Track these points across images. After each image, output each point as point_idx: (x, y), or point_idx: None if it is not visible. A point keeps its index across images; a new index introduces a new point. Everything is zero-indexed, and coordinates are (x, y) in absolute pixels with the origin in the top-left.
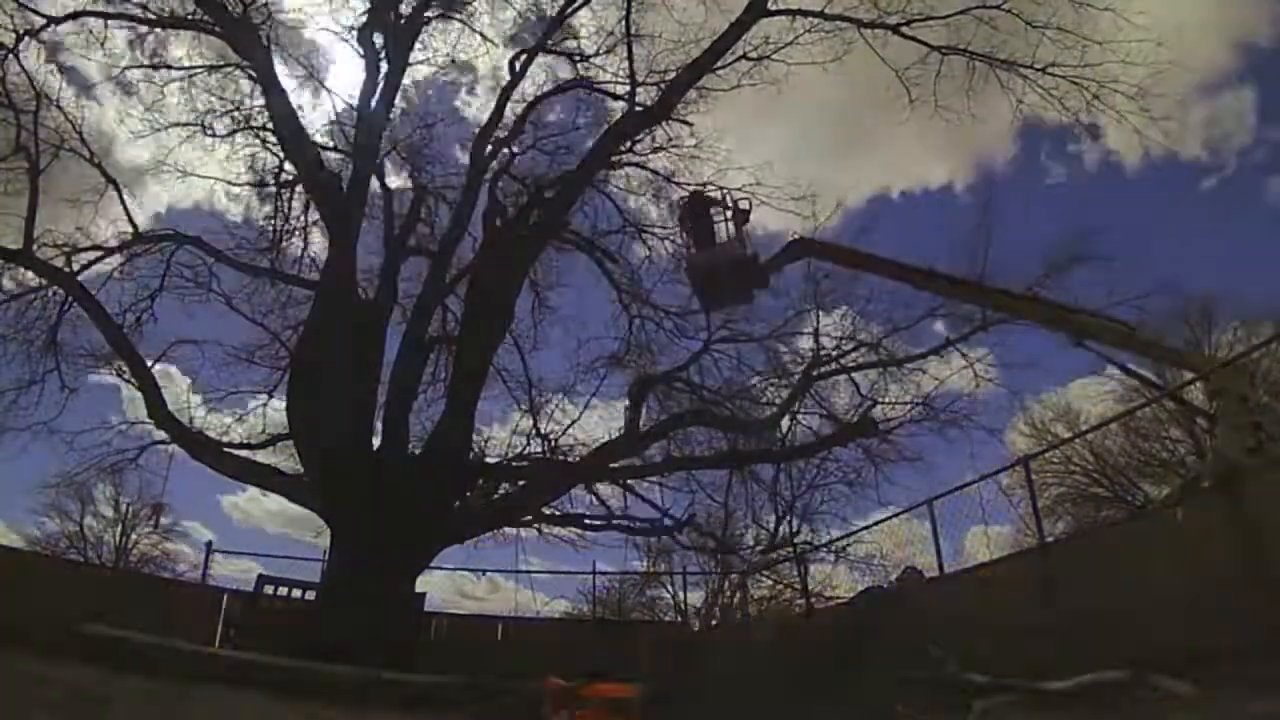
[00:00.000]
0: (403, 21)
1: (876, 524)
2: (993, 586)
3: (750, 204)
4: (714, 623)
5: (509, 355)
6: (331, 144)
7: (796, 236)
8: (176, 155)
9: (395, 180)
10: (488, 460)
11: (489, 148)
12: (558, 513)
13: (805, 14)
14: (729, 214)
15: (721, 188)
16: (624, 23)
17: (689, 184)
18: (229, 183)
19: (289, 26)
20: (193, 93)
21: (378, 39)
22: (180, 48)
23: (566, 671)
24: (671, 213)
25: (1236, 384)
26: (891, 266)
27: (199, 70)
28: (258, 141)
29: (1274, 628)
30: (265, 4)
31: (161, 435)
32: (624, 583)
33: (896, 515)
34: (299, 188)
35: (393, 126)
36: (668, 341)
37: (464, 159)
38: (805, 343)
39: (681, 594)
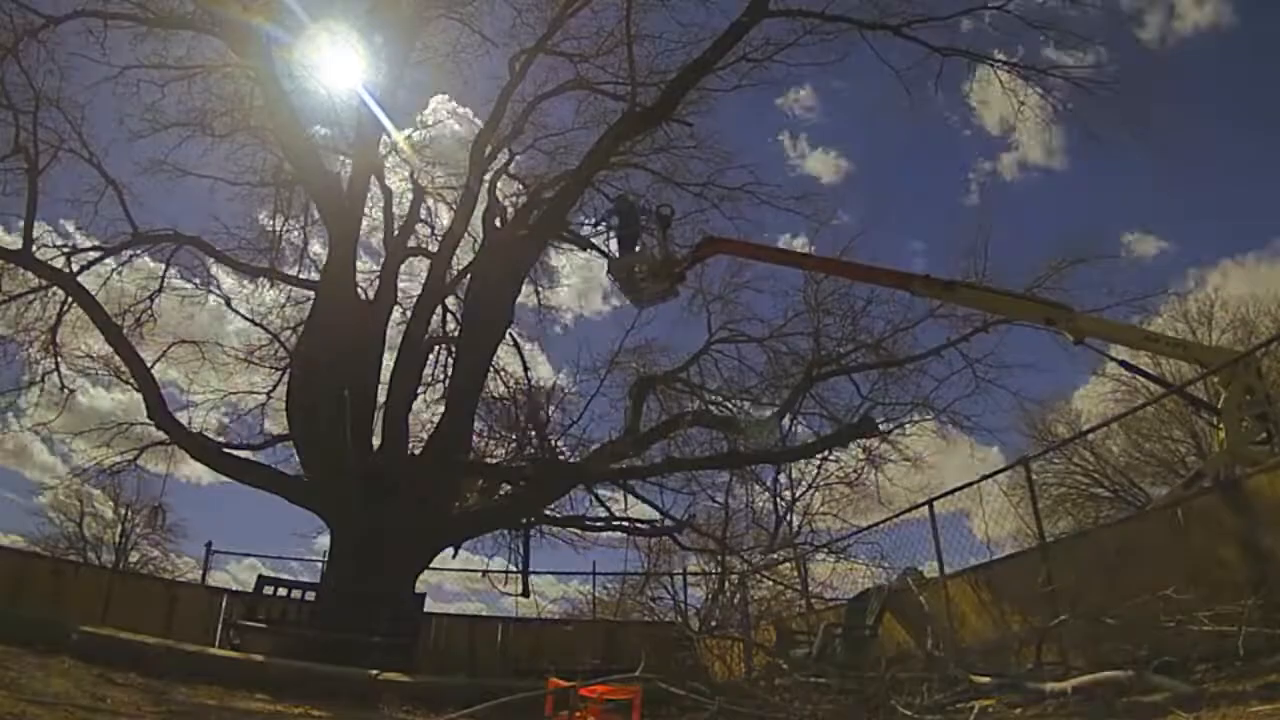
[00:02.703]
0: (403, 21)
1: (877, 524)
2: (993, 586)
3: (671, 210)
4: (714, 623)
5: (509, 355)
6: (331, 144)
7: (706, 236)
8: (176, 155)
9: (395, 180)
10: (488, 460)
11: (489, 148)
12: (558, 513)
13: (806, 15)
14: (653, 219)
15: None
16: (624, 24)
17: (690, 184)
18: (229, 182)
19: (289, 26)
20: (193, 93)
21: (378, 39)
22: (180, 48)
23: (566, 671)
24: (601, 218)
25: (1243, 376)
26: (799, 258)
27: (199, 70)
28: (257, 141)
29: (1274, 628)
30: (265, 4)
31: (161, 435)
32: (624, 582)
33: (896, 515)
34: (299, 188)
35: (392, 126)
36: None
37: (464, 159)
38: (805, 343)
39: (681, 594)
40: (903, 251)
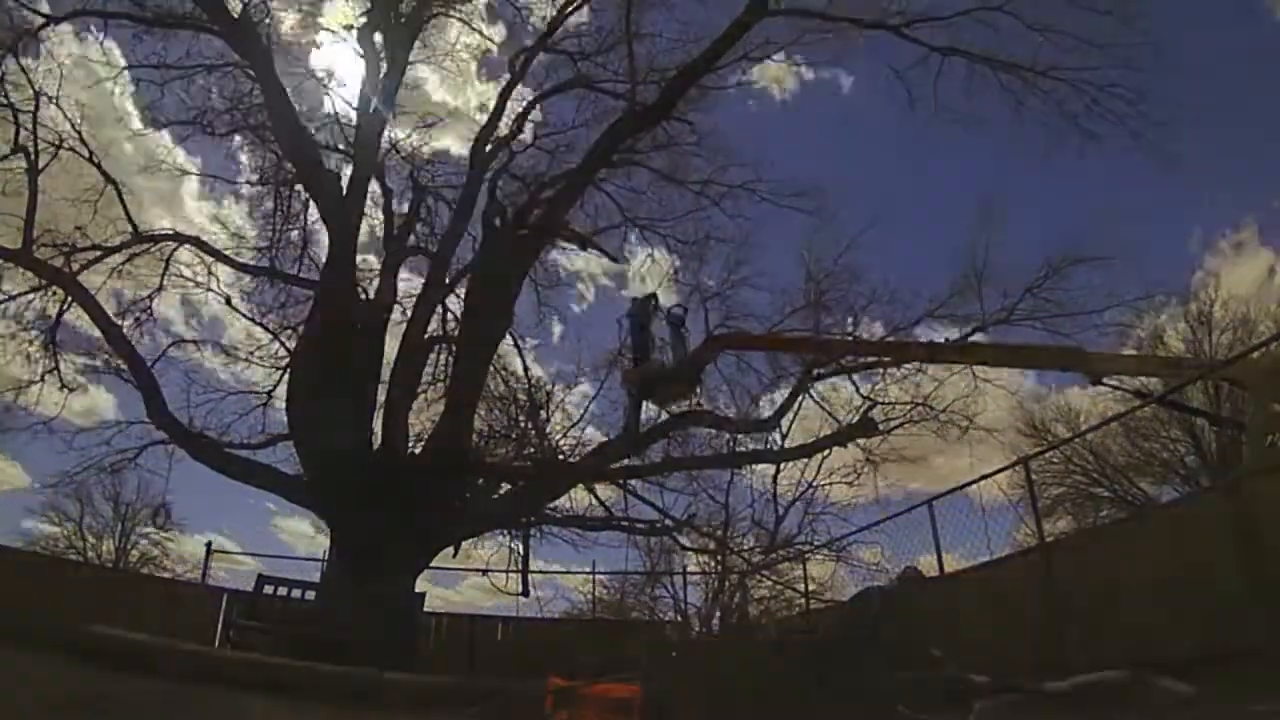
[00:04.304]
0: (402, 21)
1: (877, 524)
2: (993, 586)
3: (685, 309)
4: (714, 623)
5: (509, 355)
6: (331, 144)
7: (711, 334)
8: (176, 154)
9: (395, 180)
10: (488, 460)
11: (489, 147)
12: (558, 513)
13: (806, 14)
14: (666, 321)
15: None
16: (624, 22)
17: (690, 181)
18: (228, 181)
19: (289, 26)
20: (193, 92)
21: (377, 38)
22: (180, 47)
23: (566, 671)
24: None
25: (1266, 383)
26: (804, 345)
27: (199, 70)
28: (258, 141)
29: (1274, 628)
30: (265, 3)
31: (161, 435)
32: (624, 582)
33: (896, 515)
34: (299, 187)
35: (392, 126)
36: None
37: (464, 158)
38: None
39: (681, 594)
40: (905, 251)
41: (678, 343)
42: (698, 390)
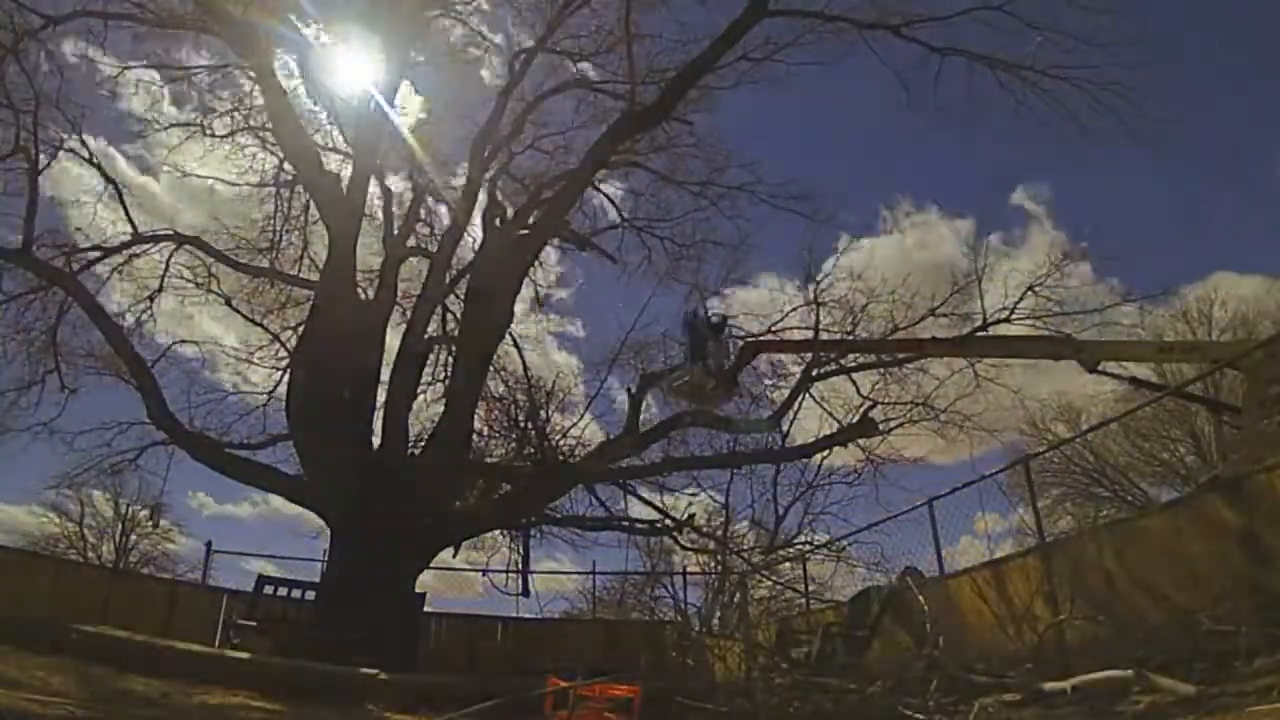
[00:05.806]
0: (402, 21)
1: (876, 524)
2: (993, 586)
3: (723, 317)
4: (714, 623)
5: (509, 355)
6: (331, 144)
7: (747, 340)
8: (176, 155)
9: (395, 180)
10: (488, 460)
11: (488, 147)
12: (558, 513)
13: (806, 14)
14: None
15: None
16: (624, 23)
17: (689, 183)
18: (229, 183)
19: (289, 26)
20: (193, 93)
21: (377, 39)
22: (181, 48)
23: (566, 671)
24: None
25: (1266, 369)
26: (824, 345)
27: (199, 70)
28: (258, 141)
29: (1274, 628)
30: (265, 4)
31: (161, 435)
32: (624, 582)
33: (896, 515)
34: (299, 188)
35: (392, 126)
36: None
37: (464, 159)
38: None
39: (681, 594)
40: (906, 249)
41: (719, 348)
42: (738, 391)
